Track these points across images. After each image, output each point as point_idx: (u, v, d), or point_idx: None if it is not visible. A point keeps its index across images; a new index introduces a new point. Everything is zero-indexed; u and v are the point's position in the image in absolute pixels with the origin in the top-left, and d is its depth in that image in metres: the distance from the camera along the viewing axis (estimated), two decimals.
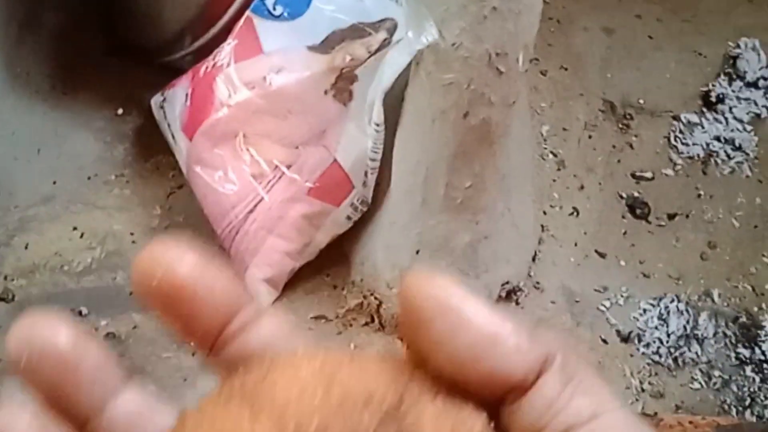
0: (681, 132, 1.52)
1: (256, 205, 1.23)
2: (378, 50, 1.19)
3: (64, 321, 0.30)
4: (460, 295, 0.31)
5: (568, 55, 1.60)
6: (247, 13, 1.25)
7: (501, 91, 1.11)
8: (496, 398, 0.30)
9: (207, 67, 1.26)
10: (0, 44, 1.37)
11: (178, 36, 1.43)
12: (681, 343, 1.31)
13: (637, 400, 1.27)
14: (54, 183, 1.33)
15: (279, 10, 1.24)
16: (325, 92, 1.22)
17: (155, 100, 1.37)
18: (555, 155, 1.46)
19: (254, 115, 1.23)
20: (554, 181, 1.44)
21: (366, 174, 1.24)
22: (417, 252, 1.19)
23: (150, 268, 0.31)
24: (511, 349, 0.30)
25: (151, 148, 1.39)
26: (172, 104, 1.32)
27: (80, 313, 1.20)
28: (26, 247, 1.26)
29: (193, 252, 0.32)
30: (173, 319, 0.32)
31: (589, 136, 1.49)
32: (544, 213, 1.39)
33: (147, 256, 0.31)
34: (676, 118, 1.53)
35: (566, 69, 1.58)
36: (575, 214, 1.41)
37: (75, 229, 1.29)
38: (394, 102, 1.21)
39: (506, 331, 0.30)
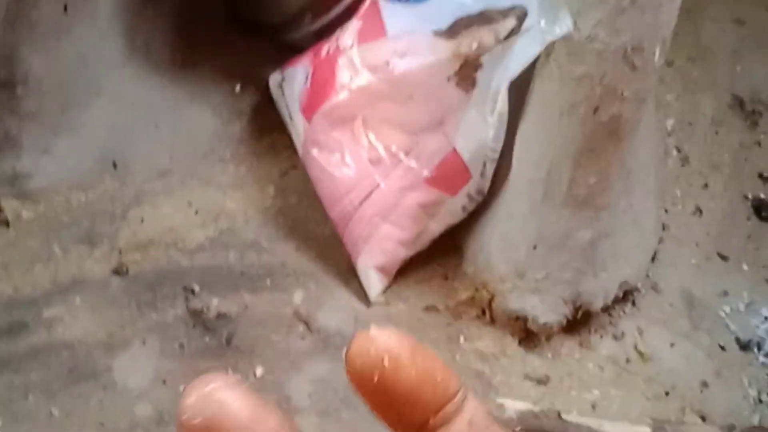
0: None
1: (372, 191, 1.21)
2: (506, 38, 1.15)
3: (241, 388, 0.30)
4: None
5: (697, 46, 1.54)
6: None
7: (634, 87, 1.06)
8: None
9: (329, 49, 1.24)
10: (121, 14, 1.37)
11: (299, 15, 1.41)
12: None
13: (754, 411, 1.22)
14: (171, 158, 1.34)
15: None
16: (448, 79, 1.19)
17: (274, 79, 1.36)
18: (679, 151, 1.41)
19: (375, 99, 1.20)
20: (677, 178, 1.38)
21: (485, 164, 1.21)
22: (534, 247, 1.16)
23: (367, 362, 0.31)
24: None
25: (267, 126, 1.38)
26: (291, 84, 1.30)
27: (192, 291, 1.20)
28: (141, 222, 1.27)
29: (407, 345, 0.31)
30: (383, 410, 0.32)
31: (716, 132, 1.43)
32: (666, 211, 1.34)
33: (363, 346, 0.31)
34: None
35: (694, 61, 1.52)
36: (698, 213, 1.35)
37: (190, 205, 1.29)
38: (515, 92, 1.17)
39: None
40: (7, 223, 1.25)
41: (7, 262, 1.22)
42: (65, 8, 1.23)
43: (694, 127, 1.44)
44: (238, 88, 1.42)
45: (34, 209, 1.26)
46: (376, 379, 0.31)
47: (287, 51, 1.41)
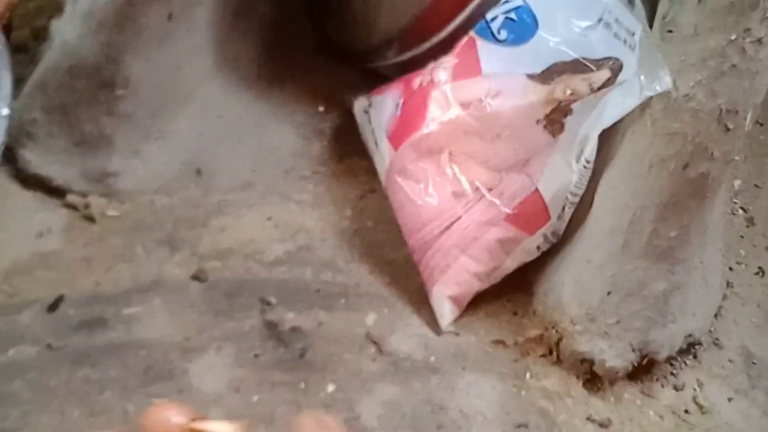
0: None
1: (452, 223, 1.24)
2: (600, 88, 1.18)
3: None
4: None
5: (764, 110, 1.57)
6: (471, 33, 1.26)
7: (724, 148, 1.09)
8: None
9: (422, 81, 1.27)
10: (215, 26, 1.40)
11: (386, 45, 1.44)
12: None
13: None
14: (253, 171, 1.37)
15: (503, 35, 1.24)
16: (537, 122, 1.22)
17: (359, 104, 1.39)
18: (745, 211, 1.44)
19: (464, 135, 1.24)
20: (742, 237, 1.41)
21: (564, 208, 1.24)
22: (608, 293, 1.18)
23: None
24: None
25: (347, 149, 1.41)
26: (379, 111, 1.34)
27: (268, 303, 1.23)
28: (222, 231, 1.30)
29: None
30: None
31: None
32: (730, 269, 1.36)
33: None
34: None
35: (762, 124, 1.55)
36: (761, 274, 1.38)
37: (269, 219, 1.32)
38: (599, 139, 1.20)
39: None
40: (93, 219, 1.28)
41: (91, 257, 1.25)
42: (169, 17, 1.27)
43: (760, 189, 1.47)
44: (321, 109, 1.46)
45: (119, 208, 1.29)
46: None
47: (370, 78, 1.45)
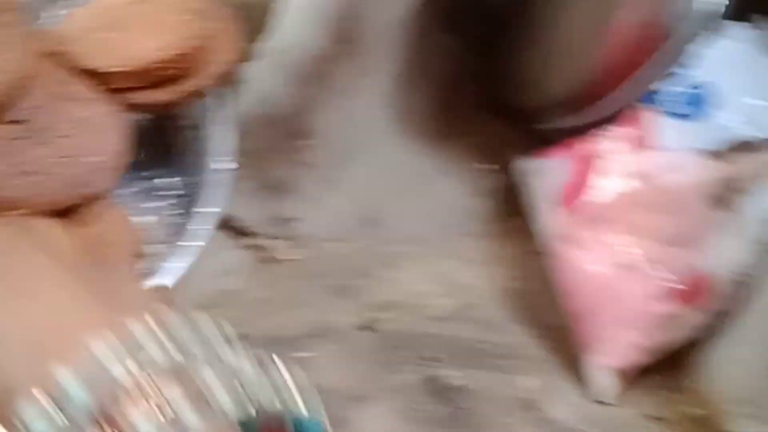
0: None
1: (616, 294, 1.25)
2: None
3: None
4: None
5: None
6: (646, 105, 1.28)
7: None
8: None
9: (592, 149, 1.30)
10: (398, 82, 1.46)
11: (553, 107, 1.47)
12: None
13: None
14: (422, 225, 1.42)
15: (682, 110, 1.26)
16: (708, 199, 1.23)
17: (523, 165, 1.42)
18: None
19: (632, 206, 1.26)
20: None
21: (730, 286, 1.24)
22: None
23: None
24: None
25: (512, 208, 1.44)
26: (546, 174, 1.37)
27: (432, 358, 1.27)
28: (392, 282, 1.35)
29: None
30: None
31: None
32: None
33: None
34: None
35: None
36: None
37: (437, 273, 1.37)
38: None
39: None
40: (274, 262, 1.36)
41: (270, 299, 1.32)
42: (363, 71, 1.33)
43: None
44: (489, 166, 1.50)
45: (299, 253, 1.37)
46: None
47: (534, 139, 1.47)
